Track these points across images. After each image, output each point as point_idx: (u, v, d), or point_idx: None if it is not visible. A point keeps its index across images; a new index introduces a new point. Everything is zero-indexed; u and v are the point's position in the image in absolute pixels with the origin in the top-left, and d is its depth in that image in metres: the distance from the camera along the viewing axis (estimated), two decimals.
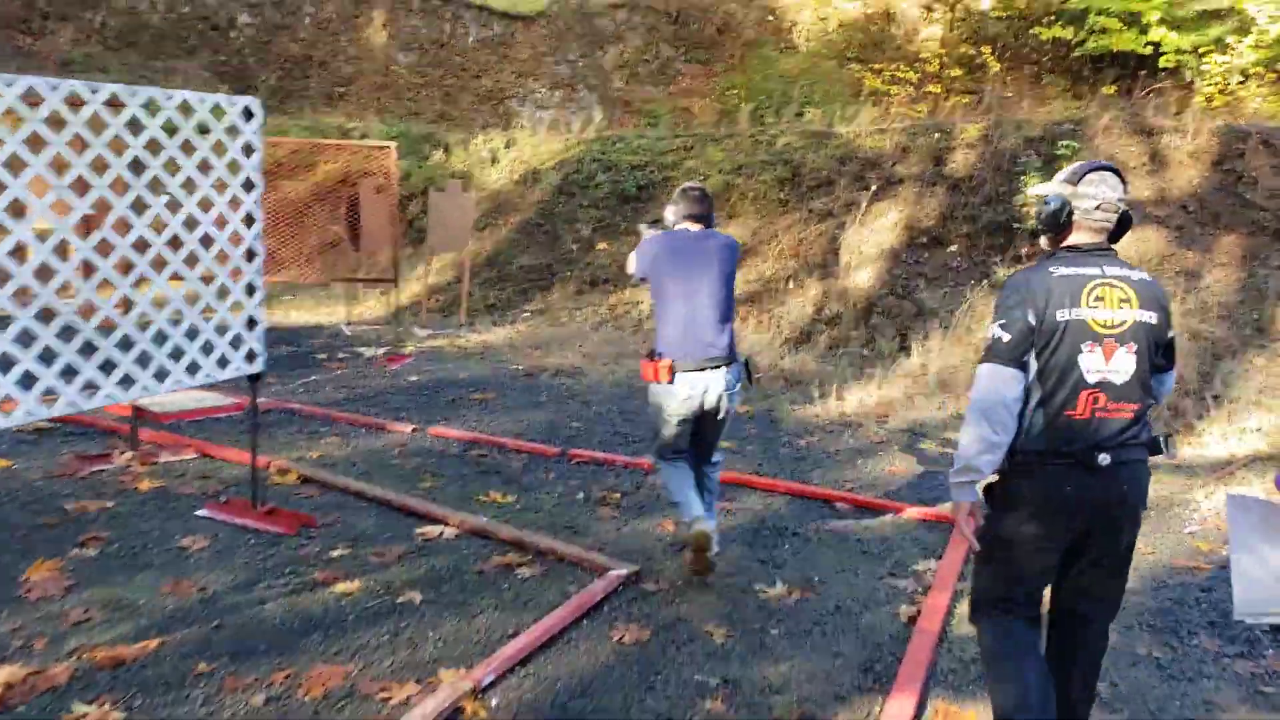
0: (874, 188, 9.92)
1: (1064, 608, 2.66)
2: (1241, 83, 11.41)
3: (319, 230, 10.73)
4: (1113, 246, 2.58)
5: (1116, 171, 2.55)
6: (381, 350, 8.71)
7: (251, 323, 4.24)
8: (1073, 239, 2.56)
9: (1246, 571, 3.44)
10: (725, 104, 15.83)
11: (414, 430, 6.14)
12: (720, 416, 3.93)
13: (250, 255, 4.19)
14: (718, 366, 3.82)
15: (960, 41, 16.38)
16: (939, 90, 14.93)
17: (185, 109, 3.85)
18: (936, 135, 10.26)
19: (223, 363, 4.11)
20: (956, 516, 2.60)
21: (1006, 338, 2.45)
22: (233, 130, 4.01)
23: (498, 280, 11.00)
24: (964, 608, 3.51)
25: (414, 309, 10.44)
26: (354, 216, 9.58)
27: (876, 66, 16.01)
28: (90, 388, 3.61)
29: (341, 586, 3.76)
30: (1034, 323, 2.42)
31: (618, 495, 5.02)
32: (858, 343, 8.57)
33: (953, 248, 9.19)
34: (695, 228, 3.96)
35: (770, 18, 18.84)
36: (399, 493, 4.84)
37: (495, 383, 7.70)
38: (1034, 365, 2.45)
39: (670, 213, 4.03)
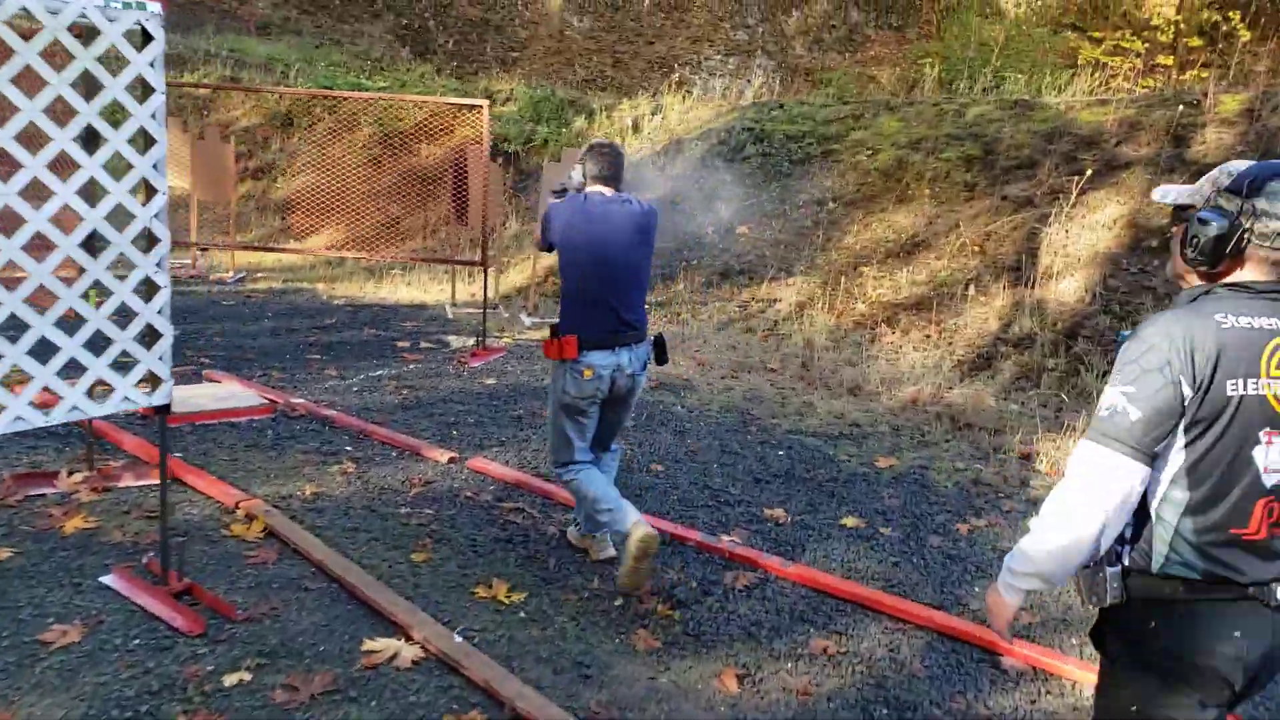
0: (1088, 172, 7.80)
1: None
2: None
3: (413, 203, 9.69)
4: None
5: None
6: (472, 341, 7.52)
7: (151, 335, 3.01)
8: (1241, 274, 1.77)
9: None
10: (916, 74, 13.78)
11: (451, 460, 4.85)
12: (627, 401, 3.68)
13: (151, 240, 2.94)
14: (628, 344, 3.51)
15: (1202, 6, 13.57)
16: (1171, 63, 12.43)
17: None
18: (1180, 109, 7.98)
19: (95, 394, 2.90)
20: (993, 616, 1.92)
21: (1135, 414, 1.68)
22: (120, 60, 2.74)
23: None
24: None
25: (525, 292, 9.21)
26: (461, 186, 8.41)
27: (1096, 35, 13.53)
28: None
29: None
30: (1188, 393, 1.67)
31: (671, 609, 3.50)
32: (1056, 376, 6.61)
33: None
34: (608, 191, 3.56)
35: None
36: (374, 570, 3.55)
37: None
38: (1181, 456, 1.71)
39: (577, 174, 3.59)
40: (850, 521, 4.39)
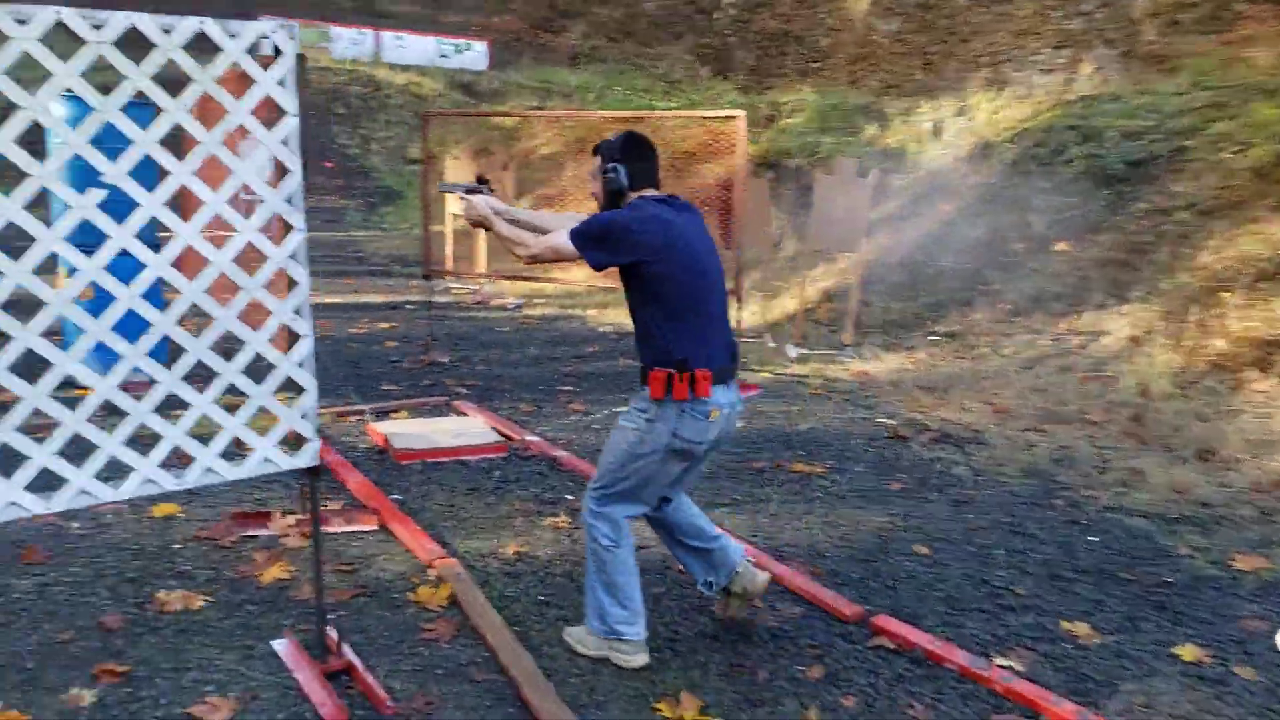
0: None
1: None
2: None
3: None
4: None
5: None
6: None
7: (294, 389, 2.66)
8: None
9: None
10: None
11: None
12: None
13: (289, 283, 2.60)
14: (734, 375, 2.98)
15: None
16: None
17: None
18: None
19: (231, 455, 2.59)
20: None
21: None
22: (245, 79, 2.41)
23: (905, 289, 8.52)
24: None
25: (794, 321, 8.43)
26: (725, 207, 7.83)
27: None
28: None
29: None
30: None
31: None
32: None
33: None
34: (662, 193, 3.00)
35: None
36: (550, 660, 3.00)
37: (843, 445, 5.45)
38: None
39: (623, 174, 2.93)
40: (1189, 652, 3.19)
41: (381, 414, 5.83)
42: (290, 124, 2.47)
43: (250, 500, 4.28)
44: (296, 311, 2.60)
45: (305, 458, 2.69)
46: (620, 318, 9.69)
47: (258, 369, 2.48)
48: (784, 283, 9.57)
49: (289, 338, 2.61)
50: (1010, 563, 3.91)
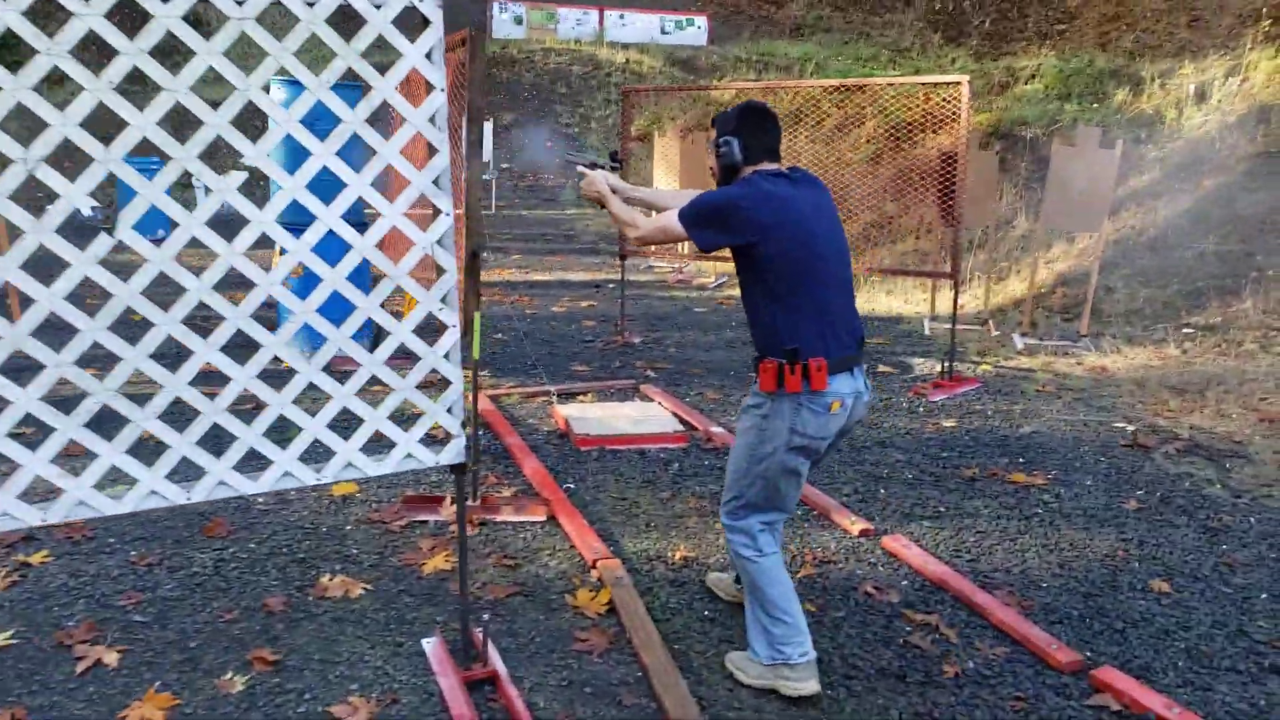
0: None
1: None
2: None
3: (912, 199, 8.54)
4: None
5: None
6: (939, 367, 6.29)
7: (440, 385, 2.51)
8: None
9: None
10: None
11: (863, 533, 3.82)
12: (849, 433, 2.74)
13: (436, 271, 2.45)
14: (860, 362, 2.67)
15: None
16: None
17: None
18: None
19: (375, 447, 2.48)
20: None
21: None
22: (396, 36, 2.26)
23: (1155, 274, 7.46)
24: None
25: (1022, 307, 7.60)
26: (947, 182, 7.16)
27: None
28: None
29: None
30: None
31: None
32: None
33: None
34: (784, 167, 2.71)
35: None
36: (710, 691, 2.72)
37: (1070, 453, 4.78)
38: None
39: (736, 146, 2.69)
40: None
41: (568, 396, 5.75)
42: (437, 100, 2.30)
43: (427, 483, 4.28)
44: (444, 300, 2.44)
45: (450, 454, 2.55)
46: (860, 300, 9.20)
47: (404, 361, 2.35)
48: (1012, 264, 8.70)
49: (439, 327, 2.46)
50: (1277, 611, 3.21)
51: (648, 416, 5.20)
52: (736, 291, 9.24)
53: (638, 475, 4.46)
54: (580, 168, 3.17)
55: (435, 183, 2.36)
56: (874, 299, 9.05)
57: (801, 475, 2.71)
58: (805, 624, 2.69)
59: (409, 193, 2.33)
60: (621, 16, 26.81)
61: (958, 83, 5.73)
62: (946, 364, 6.05)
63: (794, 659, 2.64)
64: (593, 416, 5.13)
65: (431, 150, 2.35)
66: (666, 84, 21.79)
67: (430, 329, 2.55)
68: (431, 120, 2.33)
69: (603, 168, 3.17)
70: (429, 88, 2.31)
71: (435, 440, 2.99)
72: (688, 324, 8.07)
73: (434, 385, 5.28)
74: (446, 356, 2.48)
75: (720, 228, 2.64)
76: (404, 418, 4.83)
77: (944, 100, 6.25)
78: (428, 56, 2.28)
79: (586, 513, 3.97)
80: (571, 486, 4.29)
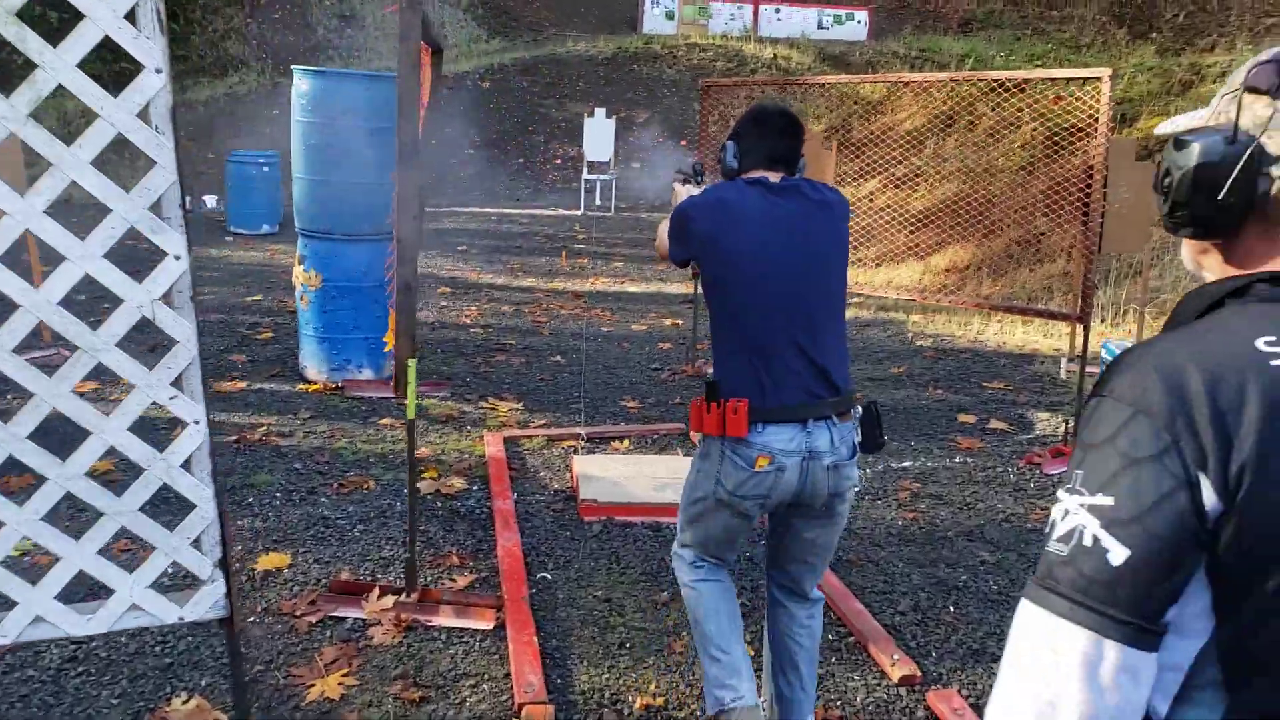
0: None
1: None
2: None
3: (1066, 214, 7.21)
4: None
5: None
6: (1065, 426, 5.04)
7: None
8: None
9: None
10: None
11: (905, 681, 2.80)
12: (833, 509, 2.25)
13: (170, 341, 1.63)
14: (827, 415, 2.17)
15: None
16: None
17: None
18: None
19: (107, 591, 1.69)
20: None
21: (1120, 552, 0.82)
22: None
23: None
24: None
25: None
26: (1086, 198, 5.86)
27: None
28: None
29: None
30: (1215, 505, 0.80)
31: None
32: None
33: None
34: (775, 177, 2.29)
35: None
36: None
37: None
38: (1203, 624, 0.83)
39: (730, 151, 2.38)
40: None
41: (600, 441, 4.90)
42: (151, 85, 1.49)
43: (374, 557, 3.53)
44: (178, 384, 1.64)
45: (200, 607, 1.74)
46: (950, 328, 7.94)
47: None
48: (1178, 296, 7.19)
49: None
50: None
51: (678, 479, 4.27)
52: (849, 314, 8.11)
53: (639, 563, 3.57)
54: (675, 183, 2.85)
55: (157, 208, 1.55)
56: (1008, 330, 7.72)
57: (730, 534, 2.34)
58: (748, 666, 2.34)
59: (110, 224, 1.53)
60: (777, 11, 25.69)
61: (1095, 78, 4.48)
62: (1072, 424, 4.79)
63: (727, 703, 2.27)
64: (611, 475, 4.26)
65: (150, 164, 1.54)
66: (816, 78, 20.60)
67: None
68: (144, 116, 1.52)
69: (688, 180, 2.84)
70: (140, 67, 1.50)
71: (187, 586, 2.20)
72: None
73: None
74: (187, 465, 1.67)
75: (676, 238, 2.35)
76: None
77: (1082, 99, 4.99)
78: (130, 18, 1.47)
79: (548, 621, 3.12)
80: (547, 577, 3.44)
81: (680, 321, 7.93)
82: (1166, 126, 1.05)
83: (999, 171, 11.04)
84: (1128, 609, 0.80)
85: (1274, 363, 0.81)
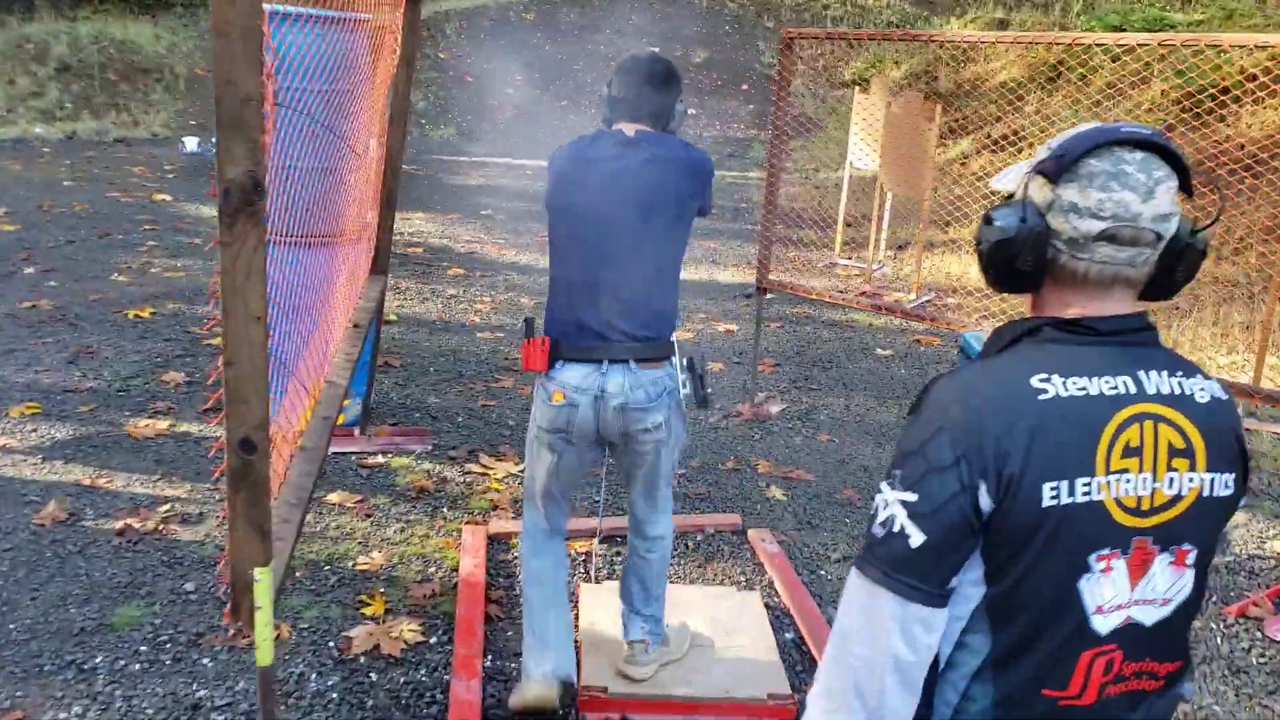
0: None
1: None
2: None
3: (1229, 196, 5.60)
4: (1151, 322, 1.22)
5: (1159, 147, 1.16)
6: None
7: None
8: (1070, 301, 1.21)
9: None
10: None
11: None
12: (630, 447, 2.44)
13: None
14: (624, 359, 2.34)
15: None
16: None
17: None
18: None
19: None
20: None
21: (919, 537, 1.16)
22: None
23: None
24: None
25: None
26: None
27: None
28: None
29: None
30: (988, 504, 1.14)
31: None
32: None
33: None
34: (631, 130, 2.39)
35: None
36: None
37: None
38: (977, 589, 1.19)
39: (606, 105, 2.47)
40: None
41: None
42: None
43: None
44: None
45: None
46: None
47: None
48: None
49: None
50: None
51: (734, 640, 2.89)
52: (943, 326, 6.56)
53: None
54: None
55: None
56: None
57: (556, 478, 2.50)
58: (553, 643, 2.49)
59: None
60: None
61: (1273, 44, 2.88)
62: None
63: (531, 671, 2.45)
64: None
65: None
66: (896, 20, 18.61)
67: None
68: None
69: None
70: None
71: None
72: (860, 379, 5.58)
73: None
74: None
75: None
76: None
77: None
78: None
79: None
80: None
81: (734, 328, 6.48)
82: (996, 182, 1.30)
83: None
84: (922, 578, 1.14)
85: (1040, 397, 1.12)
